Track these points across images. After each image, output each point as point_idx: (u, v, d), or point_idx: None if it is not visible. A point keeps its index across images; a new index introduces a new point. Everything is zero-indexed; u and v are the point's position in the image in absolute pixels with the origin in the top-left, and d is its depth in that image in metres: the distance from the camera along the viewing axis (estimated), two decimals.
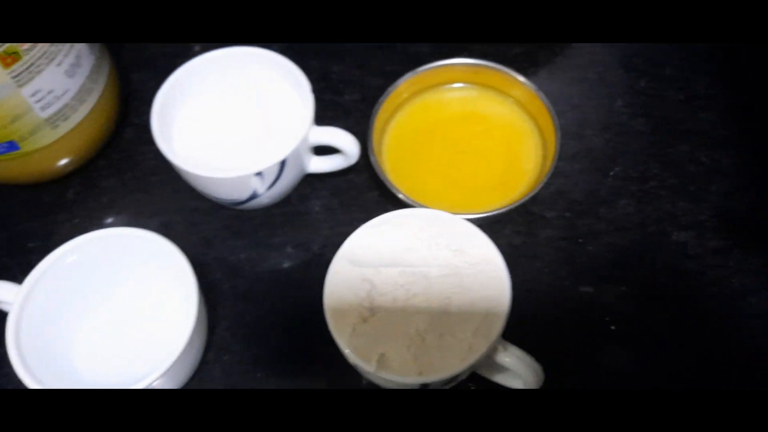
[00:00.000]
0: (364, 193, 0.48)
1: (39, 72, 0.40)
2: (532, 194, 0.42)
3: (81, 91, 0.44)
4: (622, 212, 0.46)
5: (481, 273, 0.37)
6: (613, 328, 0.42)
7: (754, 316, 0.42)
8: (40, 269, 0.38)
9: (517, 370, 0.36)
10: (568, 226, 0.46)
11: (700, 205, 0.46)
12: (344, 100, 0.52)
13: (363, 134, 0.45)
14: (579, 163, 0.48)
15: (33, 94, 0.41)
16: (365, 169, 0.49)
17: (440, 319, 0.36)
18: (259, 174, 0.41)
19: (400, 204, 0.42)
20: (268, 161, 0.41)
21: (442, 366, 0.35)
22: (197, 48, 0.53)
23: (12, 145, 0.43)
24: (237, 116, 0.47)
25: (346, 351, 0.35)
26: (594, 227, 0.46)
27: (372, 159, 0.44)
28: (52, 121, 0.43)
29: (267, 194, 0.44)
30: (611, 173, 0.48)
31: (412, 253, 0.38)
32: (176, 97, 0.45)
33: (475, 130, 0.47)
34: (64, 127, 0.44)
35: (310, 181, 0.49)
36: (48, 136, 0.44)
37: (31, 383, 0.35)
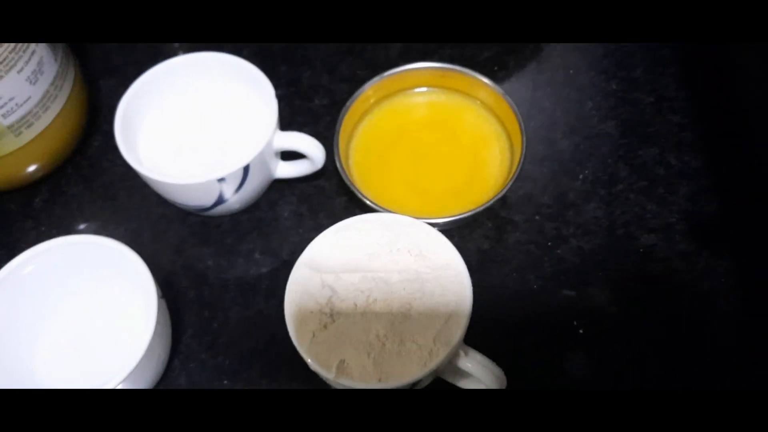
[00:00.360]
0: (333, 198, 0.48)
1: None
2: (497, 197, 0.42)
3: (44, 99, 0.44)
4: (591, 216, 0.46)
5: (443, 277, 0.37)
6: (581, 331, 0.42)
7: (722, 317, 0.42)
8: None
9: (479, 376, 0.35)
10: (536, 230, 0.46)
11: (668, 208, 0.46)
12: (314, 105, 0.52)
13: (332, 139, 0.45)
14: (548, 167, 0.48)
15: None
16: (334, 175, 0.49)
17: (401, 325, 0.35)
18: (222, 180, 0.41)
19: (368, 210, 0.42)
20: (232, 167, 0.41)
21: (402, 372, 0.34)
22: (174, 53, 0.52)
23: None
24: (202, 122, 0.46)
25: (307, 359, 0.35)
26: (563, 231, 0.46)
27: (338, 164, 0.44)
28: (15, 128, 0.43)
29: (233, 200, 0.44)
30: (580, 176, 0.48)
31: (374, 259, 0.38)
32: (140, 103, 0.45)
33: (442, 134, 0.47)
34: (28, 135, 0.44)
35: (279, 186, 0.48)
36: (11, 144, 0.43)
37: None
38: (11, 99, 0.42)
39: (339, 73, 0.53)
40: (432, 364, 0.34)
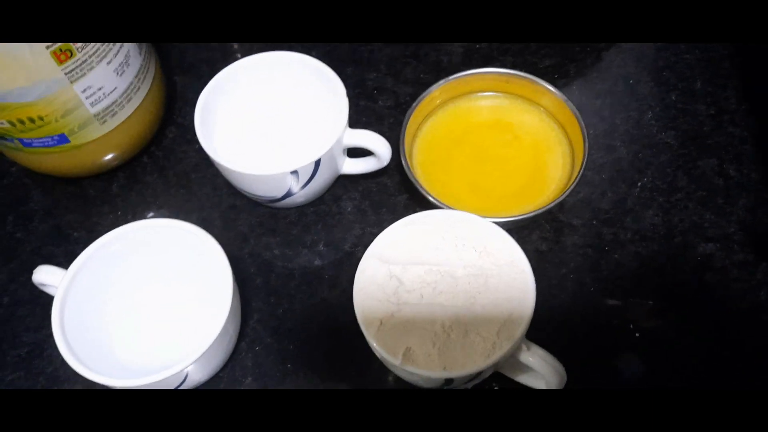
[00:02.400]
0: (394, 195, 0.50)
1: (90, 69, 0.43)
2: (559, 200, 0.43)
3: (128, 90, 0.46)
4: (649, 222, 0.47)
5: (507, 274, 0.38)
6: (637, 335, 0.43)
7: None
8: (86, 255, 0.40)
9: (540, 370, 0.36)
10: (594, 235, 0.47)
11: (726, 218, 0.47)
12: (378, 107, 0.54)
13: (395, 139, 0.46)
14: (606, 173, 0.49)
15: (84, 90, 0.43)
16: (395, 173, 0.50)
17: (465, 317, 0.37)
18: (294, 172, 0.43)
19: (429, 207, 0.43)
20: (304, 160, 0.43)
21: (466, 362, 0.36)
22: (238, 55, 0.55)
23: (62, 138, 0.45)
24: (275, 118, 0.49)
25: (374, 344, 0.36)
26: (620, 236, 0.47)
27: (404, 162, 0.45)
28: (101, 117, 0.45)
29: (301, 193, 0.46)
30: (639, 184, 0.48)
31: (439, 253, 0.39)
32: (218, 98, 0.47)
33: (504, 137, 0.48)
34: (111, 123, 0.47)
35: (343, 182, 0.50)
36: (96, 131, 0.46)
37: (74, 363, 0.37)
38: (100, 88, 0.44)
39: (403, 76, 0.55)
40: (495, 356, 0.35)
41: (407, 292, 0.38)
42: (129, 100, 0.47)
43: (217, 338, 0.38)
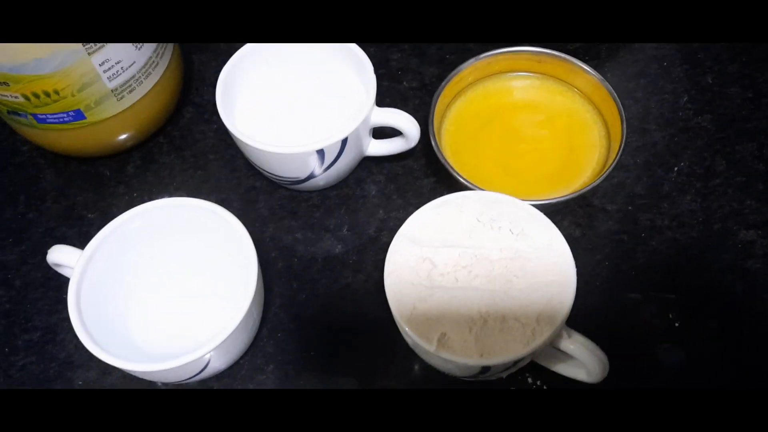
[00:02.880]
0: (420, 179, 0.48)
1: None
2: (593, 185, 0.41)
3: (147, 65, 0.45)
4: (686, 208, 0.45)
5: (545, 258, 0.36)
6: (677, 324, 0.41)
7: None
8: (103, 234, 0.39)
9: (582, 359, 0.35)
10: (629, 220, 0.45)
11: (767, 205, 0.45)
12: (402, 87, 0.52)
13: (421, 121, 0.45)
14: (641, 158, 0.47)
15: (102, 63, 0.41)
16: (422, 155, 0.48)
17: (502, 303, 0.35)
18: (320, 152, 0.41)
19: (458, 190, 0.41)
20: (330, 139, 0.41)
21: (505, 349, 0.34)
22: None
23: (78, 114, 0.43)
24: (299, 97, 0.47)
25: (407, 329, 0.35)
26: (656, 222, 0.45)
27: (433, 142, 0.43)
28: (118, 92, 0.44)
29: (324, 175, 0.44)
30: (675, 169, 0.47)
31: (474, 235, 0.37)
32: (240, 74, 0.45)
33: (537, 119, 0.46)
34: (129, 100, 0.45)
35: (367, 165, 0.48)
36: (113, 108, 0.44)
37: (91, 346, 0.35)
38: (118, 62, 0.42)
39: (428, 57, 0.53)
40: (535, 343, 0.34)
41: (441, 275, 0.36)
42: (147, 76, 0.45)
43: (240, 324, 0.36)
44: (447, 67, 0.47)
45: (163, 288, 0.42)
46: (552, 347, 0.35)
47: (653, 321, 0.42)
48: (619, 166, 0.47)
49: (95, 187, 0.49)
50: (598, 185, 0.42)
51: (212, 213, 0.39)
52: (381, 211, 0.47)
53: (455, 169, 0.42)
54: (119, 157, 0.50)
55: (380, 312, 0.40)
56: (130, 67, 0.43)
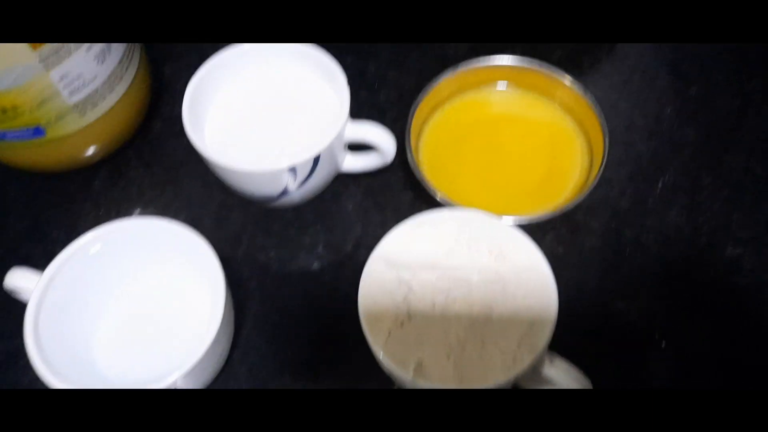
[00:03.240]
0: (398, 193, 0.46)
1: (68, 55, 0.39)
2: (577, 201, 0.40)
3: (110, 79, 0.43)
4: (672, 223, 0.44)
5: (526, 280, 0.35)
6: (664, 344, 0.40)
7: None
8: (63, 257, 0.37)
9: (565, 385, 0.33)
10: (613, 236, 0.44)
11: (755, 218, 0.44)
12: (379, 100, 0.51)
13: (398, 134, 0.43)
14: (625, 171, 0.46)
15: (61, 78, 0.40)
16: (400, 169, 0.47)
17: (482, 327, 0.34)
18: (292, 170, 0.40)
19: (436, 206, 0.40)
20: (302, 156, 0.39)
21: (485, 377, 0.32)
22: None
23: (38, 131, 0.41)
24: (270, 110, 0.45)
25: (381, 356, 0.33)
26: (641, 239, 0.43)
27: (409, 158, 0.42)
28: (80, 107, 0.42)
29: (299, 192, 0.42)
30: (660, 182, 0.45)
31: (452, 257, 0.36)
32: (208, 88, 0.43)
33: (517, 132, 0.45)
34: (92, 115, 0.43)
35: (343, 179, 0.47)
36: (75, 123, 0.42)
37: (47, 375, 0.34)
38: (78, 77, 0.40)
39: (406, 67, 0.52)
40: (516, 370, 0.32)
41: (418, 300, 0.35)
42: (111, 90, 0.43)
43: (208, 348, 0.35)
44: (425, 79, 0.46)
45: (129, 311, 0.40)
46: (535, 373, 0.34)
47: (640, 340, 0.40)
48: (603, 181, 0.45)
49: (60, 204, 0.47)
50: (581, 201, 0.40)
51: (177, 233, 0.38)
52: (359, 228, 0.45)
53: (433, 184, 0.41)
54: (86, 172, 0.48)
55: (359, 333, 0.39)
56: (92, 81, 0.41)
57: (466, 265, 0.35)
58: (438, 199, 0.40)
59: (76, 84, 0.41)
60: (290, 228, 0.45)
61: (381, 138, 0.42)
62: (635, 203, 0.45)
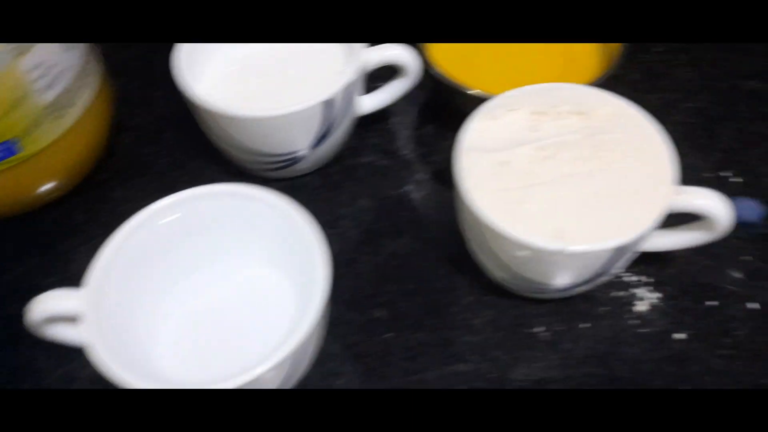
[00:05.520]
0: (420, 128, 0.44)
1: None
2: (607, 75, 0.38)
3: (82, 71, 0.37)
4: None
5: (623, 125, 0.33)
6: None
7: None
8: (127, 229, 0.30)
9: (707, 209, 0.31)
10: None
11: None
12: None
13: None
14: None
15: (32, 69, 0.33)
16: (409, 105, 0.44)
17: (606, 179, 0.31)
18: (327, 104, 0.35)
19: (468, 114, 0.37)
20: (334, 87, 0.36)
21: (635, 223, 0.29)
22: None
23: (9, 150, 0.34)
24: (272, 64, 0.41)
25: (520, 239, 0.29)
26: None
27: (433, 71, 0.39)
28: (56, 109, 0.35)
29: (323, 146, 0.38)
30: None
31: (540, 127, 0.33)
32: (202, 47, 0.39)
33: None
34: (70, 117, 0.36)
35: (355, 134, 0.43)
36: (52, 130, 0.36)
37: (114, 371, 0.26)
38: (51, 67, 0.34)
39: None
40: (660, 206, 0.30)
41: (527, 173, 0.31)
42: (85, 85, 0.37)
43: (306, 336, 0.28)
44: None
45: (199, 302, 0.34)
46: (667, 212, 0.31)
47: None
48: None
49: (44, 246, 0.39)
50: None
51: (265, 203, 0.32)
52: (391, 171, 0.41)
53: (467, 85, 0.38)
54: (60, 206, 0.40)
55: (434, 266, 0.36)
56: (64, 72, 0.35)
57: (558, 130, 0.33)
58: (473, 96, 0.37)
59: (49, 78, 0.34)
60: (321, 192, 0.41)
61: (403, 55, 0.38)
62: None
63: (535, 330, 0.35)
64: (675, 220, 0.32)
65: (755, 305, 0.35)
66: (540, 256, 0.30)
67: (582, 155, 0.32)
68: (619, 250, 0.30)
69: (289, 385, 0.30)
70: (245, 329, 0.33)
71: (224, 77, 0.40)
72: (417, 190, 0.40)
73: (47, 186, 0.38)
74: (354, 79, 0.36)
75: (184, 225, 0.32)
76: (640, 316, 0.35)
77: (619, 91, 0.42)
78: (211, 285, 0.34)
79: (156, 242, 0.31)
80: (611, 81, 0.43)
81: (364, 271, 0.37)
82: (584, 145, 0.32)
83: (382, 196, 0.40)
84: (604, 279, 0.33)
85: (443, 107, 0.43)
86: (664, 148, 0.32)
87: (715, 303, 0.35)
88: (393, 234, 0.39)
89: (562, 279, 0.31)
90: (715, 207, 0.31)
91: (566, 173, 0.31)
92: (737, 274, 0.36)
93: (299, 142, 0.37)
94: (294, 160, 0.39)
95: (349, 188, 0.41)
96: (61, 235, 0.40)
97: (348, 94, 0.37)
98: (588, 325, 0.35)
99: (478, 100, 0.35)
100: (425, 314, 0.36)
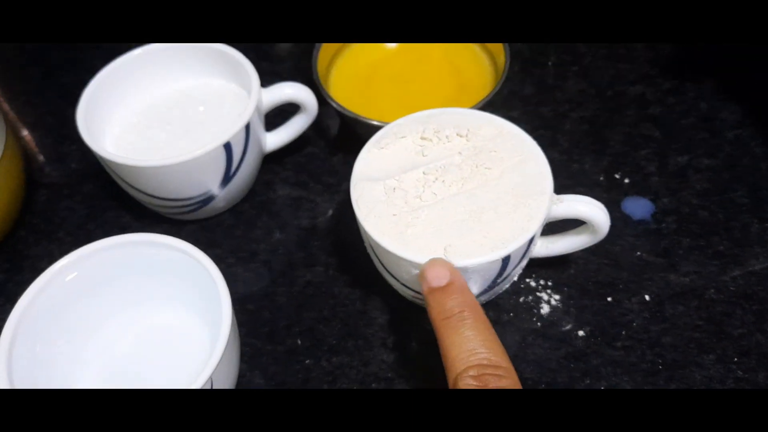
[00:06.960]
0: (328, 159, 0.45)
1: None
2: (483, 102, 0.40)
3: None
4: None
5: (503, 143, 0.35)
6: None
7: None
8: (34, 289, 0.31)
9: (586, 213, 0.33)
10: None
11: None
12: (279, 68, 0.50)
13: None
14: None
15: None
16: (317, 137, 0.46)
17: (489, 195, 0.33)
18: (227, 146, 0.37)
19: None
20: (233, 129, 0.37)
21: (514, 234, 0.31)
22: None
23: None
24: (174, 113, 0.42)
25: (410, 259, 0.31)
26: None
27: (326, 96, 0.41)
28: None
29: (232, 184, 0.40)
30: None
31: (427, 152, 0.35)
32: (106, 97, 0.40)
33: (422, 58, 0.46)
34: None
35: (268, 168, 0.44)
36: None
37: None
38: None
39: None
40: (539, 216, 0.32)
41: (417, 197, 0.33)
42: None
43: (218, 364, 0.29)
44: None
45: (118, 343, 0.35)
46: (549, 218, 0.33)
47: None
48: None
49: None
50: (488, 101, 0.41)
51: (175, 250, 0.33)
52: (305, 202, 0.43)
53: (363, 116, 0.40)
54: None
55: (347, 291, 0.37)
56: None
57: (444, 153, 0.35)
58: (372, 125, 0.39)
59: None
60: (236, 230, 0.42)
61: (300, 92, 0.40)
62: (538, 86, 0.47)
63: None
64: (570, 225, 0.35)
65: (647, 296, 0.38)
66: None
67: (465, 175, 0.34)
68: (507, 260, 0.32)
69: None
70: (163, 370, 0.34)
71: (130, 127, 0.41)
72: (329, 219, 0.42)
73: None
74: (252, 119, 0.38)
75: (90, 278, 0.33)
76: (543, 318, 0.37)
77: (513, 106, 0.45)
78: (128, 331, 0.35)
79: (65, 297, 0.32)
80: (507, 98, 0.46)
81: (282, 303, 0.39)
82: (467, 165, 0.34)
83: (295, 227, 0.42)
84: (504, 287, 0.35)
85: (349, 137, 0.45)
86: (543, 161, 0.34)
87: (610, 299, 0.38)
88: (308, 263, 0.40)
89: None
90: (592, 211, 0.33)
91: (452, 193, 0.33)
92: (630, 270, 0.39)
93: (207, 184, 0.39)
94: (205, 201, 0.40)
95: (263, 223, 0.42)
96: None
97: (249, 134, 0.38)
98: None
99: (377, 129, 0.37)
100: (342, 338, 0.37)
